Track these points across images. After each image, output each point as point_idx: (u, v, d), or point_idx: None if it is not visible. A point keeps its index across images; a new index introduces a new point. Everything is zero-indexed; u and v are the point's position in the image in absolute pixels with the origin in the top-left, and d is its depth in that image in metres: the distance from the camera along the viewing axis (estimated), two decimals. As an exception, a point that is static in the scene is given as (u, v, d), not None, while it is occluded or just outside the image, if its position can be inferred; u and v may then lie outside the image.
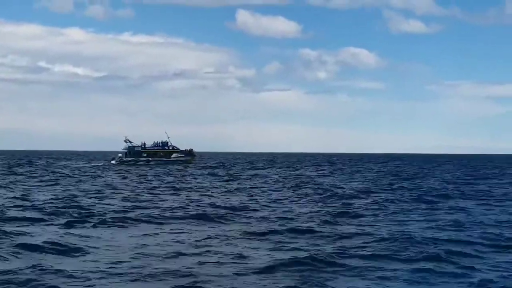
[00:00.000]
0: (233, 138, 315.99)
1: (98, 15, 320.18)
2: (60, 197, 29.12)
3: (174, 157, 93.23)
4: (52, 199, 28.03)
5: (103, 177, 52.65)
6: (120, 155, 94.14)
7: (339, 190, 35.76)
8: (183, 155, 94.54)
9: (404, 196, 31.29)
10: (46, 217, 20.98)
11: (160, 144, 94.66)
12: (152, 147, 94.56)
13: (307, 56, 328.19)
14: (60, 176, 52.74)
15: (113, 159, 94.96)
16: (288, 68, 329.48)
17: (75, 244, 15.41)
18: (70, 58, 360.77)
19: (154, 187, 39.06)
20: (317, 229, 18.74)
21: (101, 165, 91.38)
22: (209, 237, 17.06)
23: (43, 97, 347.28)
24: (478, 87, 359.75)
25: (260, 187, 39.54)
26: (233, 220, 21.26)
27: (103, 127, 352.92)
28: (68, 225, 19.28)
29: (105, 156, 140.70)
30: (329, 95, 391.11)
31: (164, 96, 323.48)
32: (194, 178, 50.95)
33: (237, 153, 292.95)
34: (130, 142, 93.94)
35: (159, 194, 33.05)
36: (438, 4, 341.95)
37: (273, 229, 18.63)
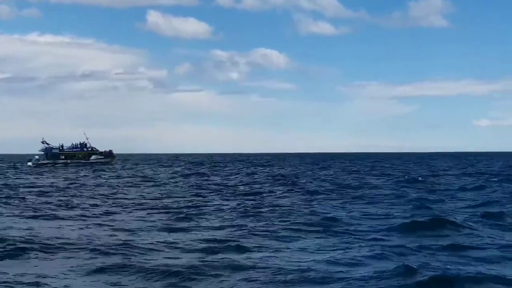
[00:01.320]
0: (146, 139, 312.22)
1: (3, 15, 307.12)
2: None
3: (93, 159, 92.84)
4: None
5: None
6: (37, 157, 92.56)
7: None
8: (103, 156, 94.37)
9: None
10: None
11: (79, 145, 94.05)
12: (70, 148, 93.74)
13: (219, 57, 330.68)
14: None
15: (29, 160, 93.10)
16: (200, 69, 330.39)
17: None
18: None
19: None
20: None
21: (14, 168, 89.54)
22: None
23: None
24: (385, 88, 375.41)
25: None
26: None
27: (10, 129, 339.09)
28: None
29: (11, 159, 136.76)
30: (241, 96, 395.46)
31: (74, 98, 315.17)
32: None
33: (151, 155, 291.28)
34: (47, 143, 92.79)
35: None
36: (346, 6, 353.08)
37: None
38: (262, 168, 77.69)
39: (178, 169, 78.39)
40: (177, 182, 46.13)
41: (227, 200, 28.93)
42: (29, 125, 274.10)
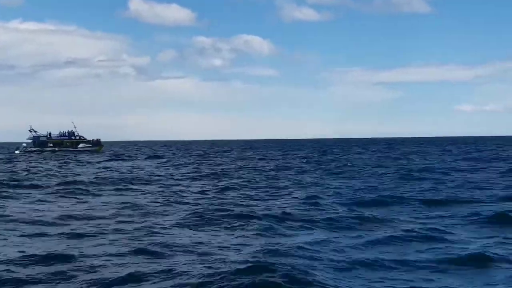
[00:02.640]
0: (128, 126, 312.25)
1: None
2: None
3: (81, 147, 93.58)
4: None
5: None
6: (24, 144, 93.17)
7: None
8: (90, 145, 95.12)
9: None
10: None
11: (67, 134, 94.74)
12: (58, 136, 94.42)
13: (202, 43, 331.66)
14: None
15: (17, 149, 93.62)
16: (183, 55, 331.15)
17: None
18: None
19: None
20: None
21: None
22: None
23: None
24: (367, 74, 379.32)
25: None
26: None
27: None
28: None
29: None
30: (224, 82, 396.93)
31: (56, 85, 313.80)
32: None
33: (132, 142, 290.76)
34: (35, 131, 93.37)
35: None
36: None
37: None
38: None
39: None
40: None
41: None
42: (11, 113, 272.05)
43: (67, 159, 67.66)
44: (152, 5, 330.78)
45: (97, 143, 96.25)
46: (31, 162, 59.17)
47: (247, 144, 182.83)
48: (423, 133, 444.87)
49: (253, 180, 32.07)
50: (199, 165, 51.44)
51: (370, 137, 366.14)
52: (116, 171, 42.85)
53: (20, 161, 62.37)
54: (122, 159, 66.73)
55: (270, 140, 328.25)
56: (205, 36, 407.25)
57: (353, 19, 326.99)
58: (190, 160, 63.52)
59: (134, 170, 44.14)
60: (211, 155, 78.05)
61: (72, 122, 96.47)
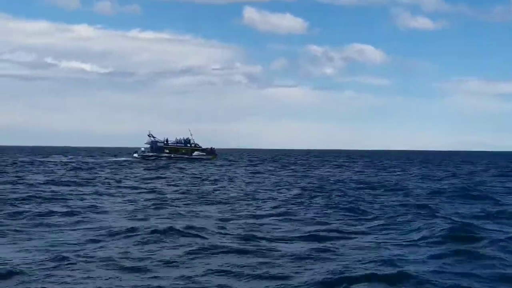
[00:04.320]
0: (240, 134, 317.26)
1: (106, 12, 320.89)
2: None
3: (195, 155, 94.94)
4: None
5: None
6: (142, 149, 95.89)
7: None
8: (205, 153, 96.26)
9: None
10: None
11: (183, 141, 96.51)
12: (174, 143, 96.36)
13: (314, 52, 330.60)
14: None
15: (135, 152, 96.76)
16: (295, 64, 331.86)
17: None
18: (77, 54, 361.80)
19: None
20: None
21: (125, 160, 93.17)
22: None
23: (50, 93, 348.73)
24: (486, 84, 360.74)
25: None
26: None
27: (112, 123, 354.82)
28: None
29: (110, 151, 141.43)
30: (336, 91, 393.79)
31: (172, 93, 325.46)
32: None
33: (243, 150, 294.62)
34: (153, 137, 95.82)
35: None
36: (445, 0, 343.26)
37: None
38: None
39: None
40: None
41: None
42: (128, 119, 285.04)
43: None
44: (265, 15, 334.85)
45: (211, 152, 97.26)
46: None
47: (368, 154, 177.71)
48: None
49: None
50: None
51: (485, 150, 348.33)
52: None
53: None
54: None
55: (390, 151, 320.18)
56: (317, 44, 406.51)
57: (471, 27, 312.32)
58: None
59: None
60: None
61: (189, 130, 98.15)
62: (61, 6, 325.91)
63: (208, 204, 26.47)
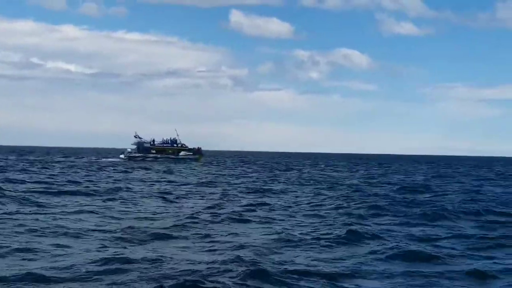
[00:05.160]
0: (225, 137, 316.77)
1: (92, 13, 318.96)
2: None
3: (182, 155, 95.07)
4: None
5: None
6: (129, 150, 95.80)
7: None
8: (192, 153, 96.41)
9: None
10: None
11: (169, 141, 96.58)
12: (161, 144, 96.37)
13: (300, 56, 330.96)
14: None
15: (122, 153, 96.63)
16: (281, 68, 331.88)
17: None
18: (64, 54, 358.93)
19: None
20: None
21: (117, 160, 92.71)
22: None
23: (37, 93, 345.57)
24: (471, 90, 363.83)
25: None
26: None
27: (97, 124, 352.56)
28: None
29: (96, 152, 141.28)
30: (322, 96, 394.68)
31: (157, 95, 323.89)
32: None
33: (228, 152, 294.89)
34: (139, 138, 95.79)
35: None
36: (430, 6, 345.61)
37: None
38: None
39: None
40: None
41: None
42: (114, 120, 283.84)
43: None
44: (252, 18, 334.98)
45: (198, 152, 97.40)
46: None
47: (350, 157, 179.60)
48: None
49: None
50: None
51: (469, 155, 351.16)
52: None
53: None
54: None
55: (372, 155, 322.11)
56: (303, 49, 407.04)
57: (456, 34, 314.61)
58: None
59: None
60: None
61: (175, 130, 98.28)
62: (48, 7, 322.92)
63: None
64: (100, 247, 14.40)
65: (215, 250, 14.46)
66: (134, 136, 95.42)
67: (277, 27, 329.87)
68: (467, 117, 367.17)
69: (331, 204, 26.19)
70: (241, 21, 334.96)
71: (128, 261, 12.62)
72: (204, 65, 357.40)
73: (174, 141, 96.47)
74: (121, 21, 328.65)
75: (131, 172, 54.76)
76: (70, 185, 34.70)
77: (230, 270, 11.75)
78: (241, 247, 14.62)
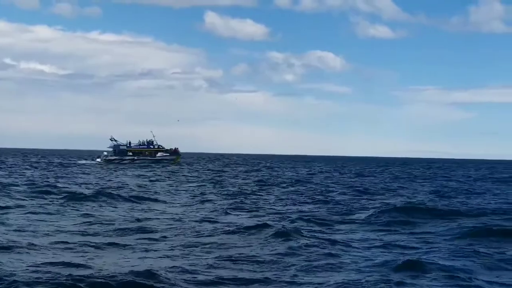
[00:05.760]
0: (200, 138, 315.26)
1: (66, 13, 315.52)
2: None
3: (159, 156, 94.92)
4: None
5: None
6: (105, 153, 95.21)
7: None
8: (168, 154, 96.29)
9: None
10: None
11: (146, 143, 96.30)
12: (137, 146, 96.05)
13: (275, 58, 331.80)
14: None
15: (98, 157, 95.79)
16: (256, 70, 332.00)
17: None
18: (37, 55, 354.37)
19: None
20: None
21: (89, 163, 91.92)
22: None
23: (9, 94, 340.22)
24: (442, 93, 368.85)
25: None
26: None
27: (71, 125, 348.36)
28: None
29: (71, 154, 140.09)
30: (296, 98, 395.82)
31: (131, 96, 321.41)
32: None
33: (202, 154, 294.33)
34: (115, 140, 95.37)
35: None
36: (404, 9, 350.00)
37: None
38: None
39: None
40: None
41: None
42: (87, 121, 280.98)
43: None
44: (226, 20, 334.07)
45: (175, 152, 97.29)
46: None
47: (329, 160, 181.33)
48: (497, 156, 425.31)
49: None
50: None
51: (436, 157, 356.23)
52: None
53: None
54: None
55: (348, 157, 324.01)
56: (278, 51, 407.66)
57: (429, 37, 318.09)
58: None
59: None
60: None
61: (151, 131, 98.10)
62: (20, 6, 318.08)
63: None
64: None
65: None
66: (110, 139, 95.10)
67: (251, 28, 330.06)
68: (437, 119, 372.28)
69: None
70: (215, 22, 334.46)
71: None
72: (178, 66, 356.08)
73: (150, 143, 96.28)
74: (95, 21, 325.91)
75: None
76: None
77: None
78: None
